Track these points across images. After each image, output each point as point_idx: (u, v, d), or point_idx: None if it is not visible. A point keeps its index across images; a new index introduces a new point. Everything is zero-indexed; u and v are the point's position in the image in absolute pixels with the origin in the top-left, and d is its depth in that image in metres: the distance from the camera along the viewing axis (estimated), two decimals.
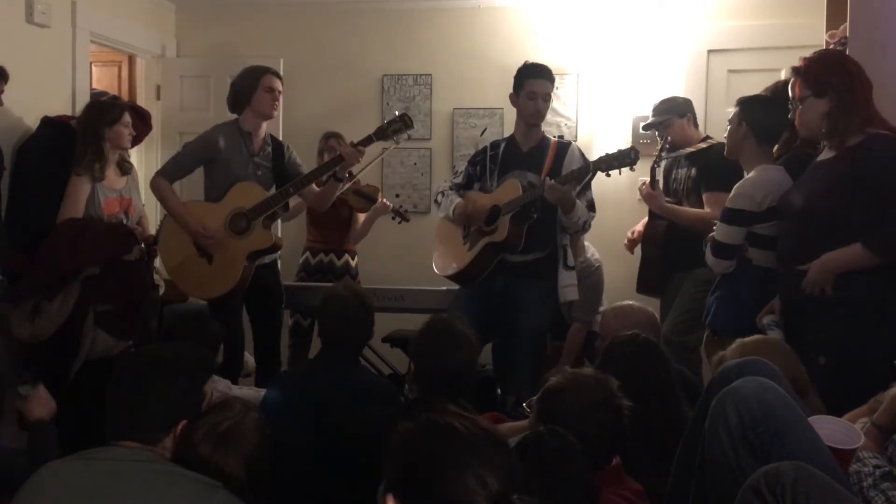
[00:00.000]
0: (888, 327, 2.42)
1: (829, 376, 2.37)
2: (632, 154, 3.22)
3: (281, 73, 4.78)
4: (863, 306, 2.45)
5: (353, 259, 4.60)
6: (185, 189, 4.10)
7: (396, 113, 3.61)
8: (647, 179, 3.59)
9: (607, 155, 3.27)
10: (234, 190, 3.61)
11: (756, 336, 2.37)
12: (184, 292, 3.80)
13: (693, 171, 3.57)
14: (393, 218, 4.37)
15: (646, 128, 3.91)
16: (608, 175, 3.30)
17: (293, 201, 4.21)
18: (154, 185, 3.68)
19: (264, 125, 3.76)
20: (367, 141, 3.58)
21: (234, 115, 3.73)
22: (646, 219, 3.82)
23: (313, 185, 3.73)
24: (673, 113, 3.71)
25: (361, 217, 4.54)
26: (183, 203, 3.68)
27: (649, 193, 3.58)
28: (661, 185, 3.72)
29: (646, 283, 3.81)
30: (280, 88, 3.74)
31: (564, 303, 3.53)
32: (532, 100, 3.44)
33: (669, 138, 3.66)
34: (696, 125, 3.80)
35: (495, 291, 3.46)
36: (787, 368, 2.05)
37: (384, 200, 4.41)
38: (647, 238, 3.76)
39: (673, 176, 3.71)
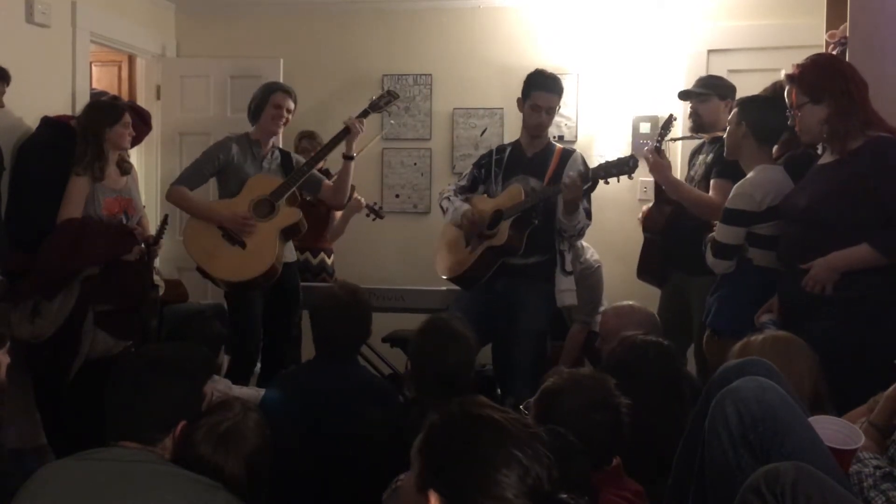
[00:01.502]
0: (888, 327, 2.42)
1: (828, 376, 2.37)
2: (630, 162, 3.21)
3: (281, 73, 4.81)
4: (862, 306, 2.45)
5: (329, 257, 4.60)
6: None
7: (383, 90, 3.87)
8: (654, 145, 3.35)
9: (606, 162, 3.27)
10: (249, 183, 3.73)
11: (785, 333, 2.32)
12: (216, 280, 3.74)
13: (710, 158, 3.42)
14: (367, 215, 4.43)
15: (681, 95, 3.69)
16: (607, 182, 3.30)
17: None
18: (172, 194, 3.75)
19: (272, 138, 3.92)
20: (364, 114, 3.80)
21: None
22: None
23: (328, 182, 3.91)
24: (716, 91, 3.56)
25: (338, 215, 4.55)
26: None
27: (656, 161, 3.31)
28: (688, 168, 3.60)
29: (645, 268, 3.76)
30: (289, 107, 3.86)
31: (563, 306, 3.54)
32: (535, 111, 3.46)
33: (695, 116, 3.55)
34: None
35: (496, 293, 3.47)
36: (802, 368, 2.05)
37: (357, 197, 4.43)
38: (649, 221, 3.69)
39: (695, 160, 3.58)
